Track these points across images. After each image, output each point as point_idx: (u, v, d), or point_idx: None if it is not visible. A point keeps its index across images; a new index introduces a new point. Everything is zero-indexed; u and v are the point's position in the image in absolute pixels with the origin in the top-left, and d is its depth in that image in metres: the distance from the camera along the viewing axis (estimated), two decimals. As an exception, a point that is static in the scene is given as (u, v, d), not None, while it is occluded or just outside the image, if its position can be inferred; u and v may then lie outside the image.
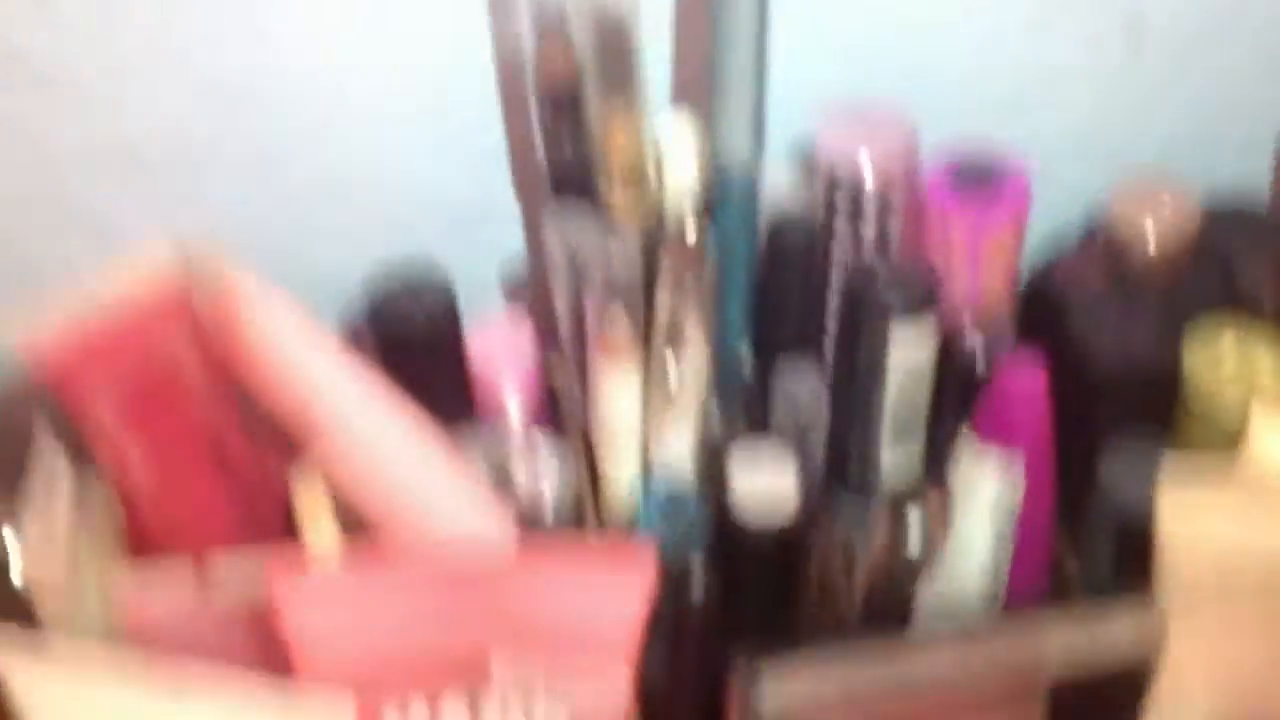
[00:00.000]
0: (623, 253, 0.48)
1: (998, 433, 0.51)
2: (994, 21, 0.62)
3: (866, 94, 0.61)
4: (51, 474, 0.48)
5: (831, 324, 0.58)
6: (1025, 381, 0.50)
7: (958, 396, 0.56)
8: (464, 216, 0.64)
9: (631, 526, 0.49)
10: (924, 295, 0.53)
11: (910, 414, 0.56)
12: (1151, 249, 0.61)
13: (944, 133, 0.63)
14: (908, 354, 0.53)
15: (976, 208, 0.56)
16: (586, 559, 0.45)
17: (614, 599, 0.45)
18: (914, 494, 0.43)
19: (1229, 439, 0.53)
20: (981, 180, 0.57)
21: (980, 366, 0.54)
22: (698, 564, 0.48)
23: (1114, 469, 0.53)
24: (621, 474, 0.55)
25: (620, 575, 0.44)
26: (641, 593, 0.44)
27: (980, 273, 0.57)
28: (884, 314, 0.52)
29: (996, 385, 0.50)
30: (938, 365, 0.55)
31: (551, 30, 0.51)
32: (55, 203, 0.59)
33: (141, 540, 0.50)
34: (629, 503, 0.54)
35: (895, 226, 0.55)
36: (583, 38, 0.51)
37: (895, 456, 0.56)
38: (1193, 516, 0.47)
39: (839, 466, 0.58)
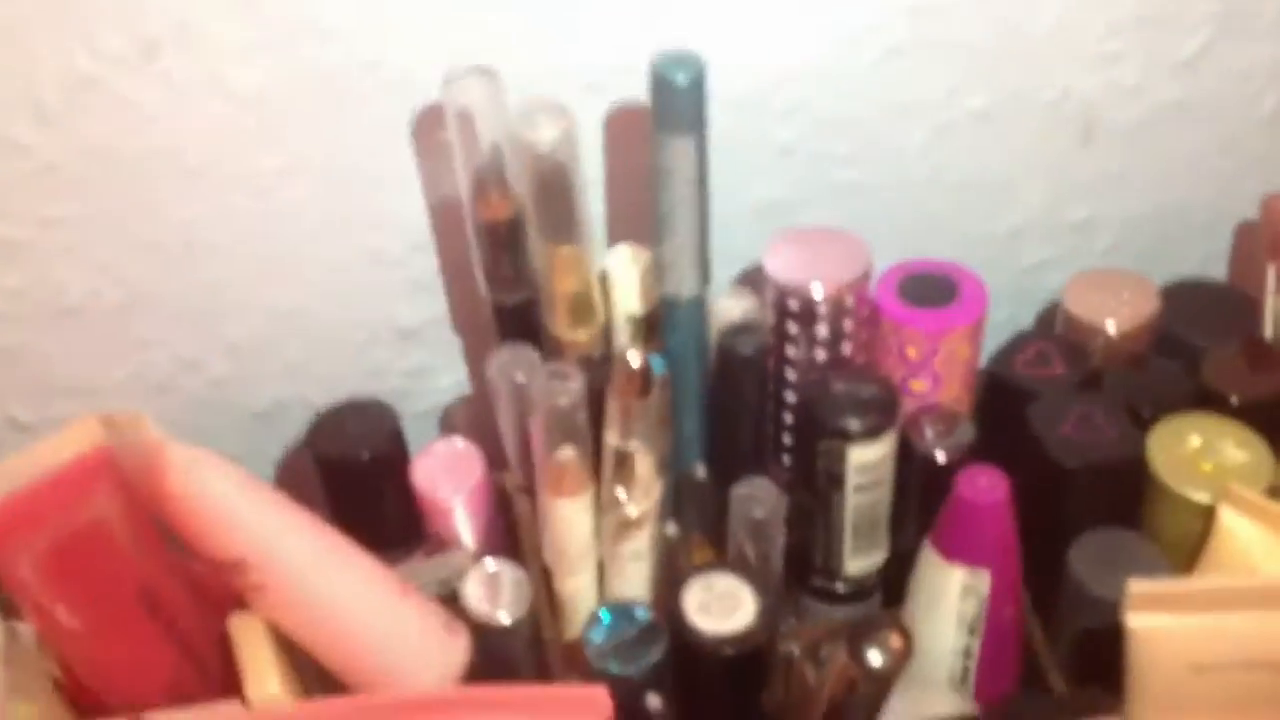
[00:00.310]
0: (568, 388, 0.47)
1: (962, 546, 0.50)
2: (946, 117, 0.62)
3: (808, 204, 0.62)
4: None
5: (788, 438, 0.57)
6: (987, 495, 0.49)
7: (919, 502, 0.55)
8: (410, 355, 0.64)
9: (588, 649, 0.47)
10: (881, 412, 0.52)
11: (871, 523, 0.55)
12: (1111, 338, 0.60)
13: (896, 234, 0.63)
14: (866, 468, 0.52)
15: (933, 319, 0.55)
16: (538, 706, 0.43)
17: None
18: (873, 630, 0.42)
19: (1195, 530, 0.53)
20: (936, 291, 0.56)
21: (940, 471, 0.53)
22: (654, 696, 0.47)
23: (1082, 562, 0.52)
24: (579, 596, 0.54)
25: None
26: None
27: (940, 378, 0.56)
28: (842, 433, 0.51)
29: (958, 499, 0.49)
30: (897, 472, 0.54)
31: (488, 170, 0.51)
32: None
33: (78, 693, 0.49)
34: (585, 626, 0.53)
35: (848, 343, 0.54)
36: (521, 177, 0.51)
37: (858, 565, 0.56)
38: (1161, 610, 0.46)
39: (803, 577, 0.57)
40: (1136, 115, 0.64)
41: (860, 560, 0.55)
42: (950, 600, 0.50)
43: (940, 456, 0.54)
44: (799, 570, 0.57)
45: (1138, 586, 0.46)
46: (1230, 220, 0.69)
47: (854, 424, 0.52)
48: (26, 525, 0.44)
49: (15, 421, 0.59)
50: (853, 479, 0.53)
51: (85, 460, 0.45)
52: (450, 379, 0.64)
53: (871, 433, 0.52)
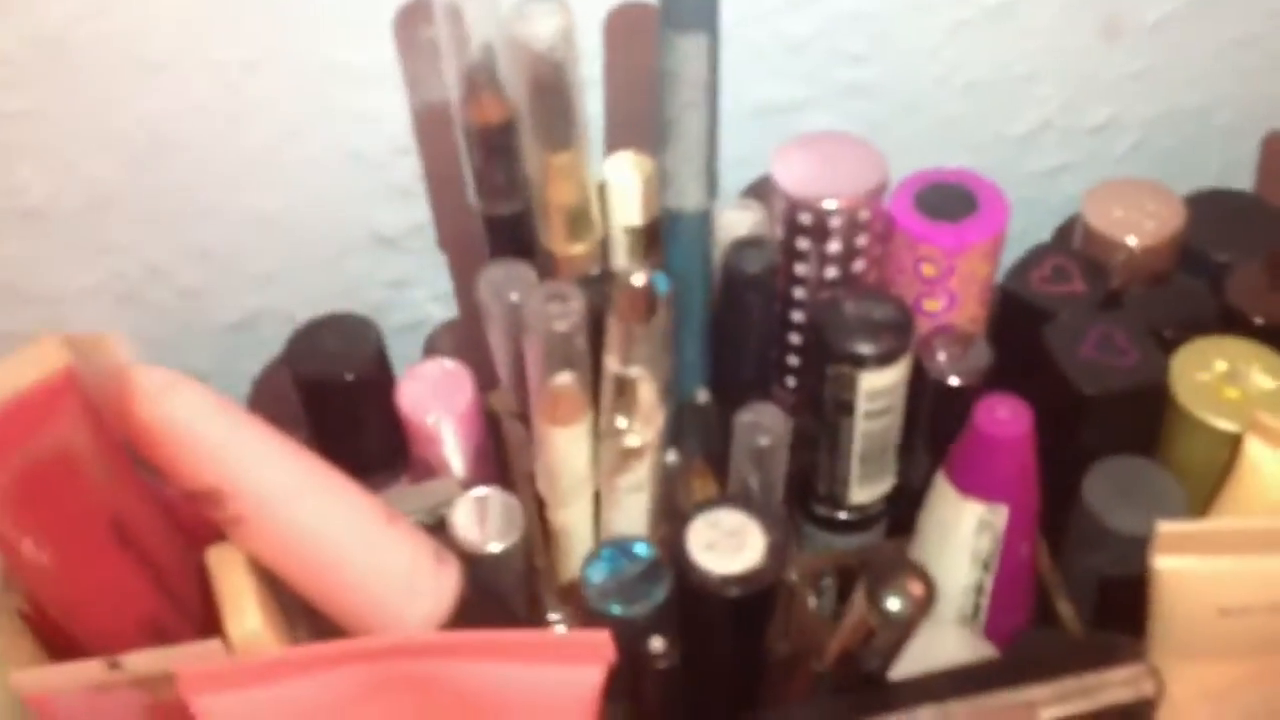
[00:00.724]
0: (567, 309, 0.44)
1: (979, 481, 0.47)
2: (965, 11, 0.58)
3: (813, 104, 0.58)
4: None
5: (794, 360, 0.54)
6: (1008, 427, 0.46)
7: (930, 428, 0.53)
8: (392, 266, 0.60)
9: (587, 589, 0.45)
10: (895, 335, 0.49)
11: (880, 450, 0.52)
12: (1134, 253, 0.57)
13: (905, 137, 0.59)
14: (878, 394, 0.50)
15: (952, 233, 0.52)
16: (539, 652, 0.41)
17: (569, 692, 0.41)
18: (892, 575, 0.39)
19: (1218, 460, 0.50)
20: (954, 203, 0.53)
21: (954, 395, 0.51)
22: (657, 638, 0.45)
23: (1096, 493, 0.50)
24: (573, 528, 0.51)
25: (576, 667, 0.41)
26: (597, 684, 0.41)
27: (956, 297, 0.53)
28: (853, 359, 0.49)
29: (976, 431, 0.46)
30: (908, 397, 0.52)
31: (479, 70, 0.47)
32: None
33: (48, 631, 0.46)
34: (581, 558, 0.51)
35: (862, 260, 0.51)
36: (515, 77, 0.47)
37: (864, 493, 0.54)
38: (1189, 551, 0.44)
39: (805, 504, 0.55)
40: (1163, 10, 0.60)
41: (866, 489, 0.53)
42: (964, 536, 0.48)
43: (954, 381, 0.51)
44: (800, 496, 0.55)
45: (1166, 528, 0.44)
46: (1257, 127, 0.65)
47: (866, 349, 0.49)
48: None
49: (-32, 329, 0.56)
50: (863, 406, 0.50)
51: (48, 384, 0.41)
52: (430, 290, 0.61)
53: (884, 358, 0.49)
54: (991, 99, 0.62)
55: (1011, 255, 0.57)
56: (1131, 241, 0.57)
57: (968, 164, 0.56)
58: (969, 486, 0.48)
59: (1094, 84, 0.63)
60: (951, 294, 0.53)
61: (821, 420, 0.51)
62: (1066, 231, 0.63)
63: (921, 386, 0.52)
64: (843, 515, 0.54)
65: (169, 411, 0.42)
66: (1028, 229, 0.63)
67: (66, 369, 0.42)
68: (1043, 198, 0.65)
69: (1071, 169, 0.65)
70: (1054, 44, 0.60)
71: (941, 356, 0.52)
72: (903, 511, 0.54)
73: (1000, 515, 0.48)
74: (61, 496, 0.43)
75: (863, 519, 0.55)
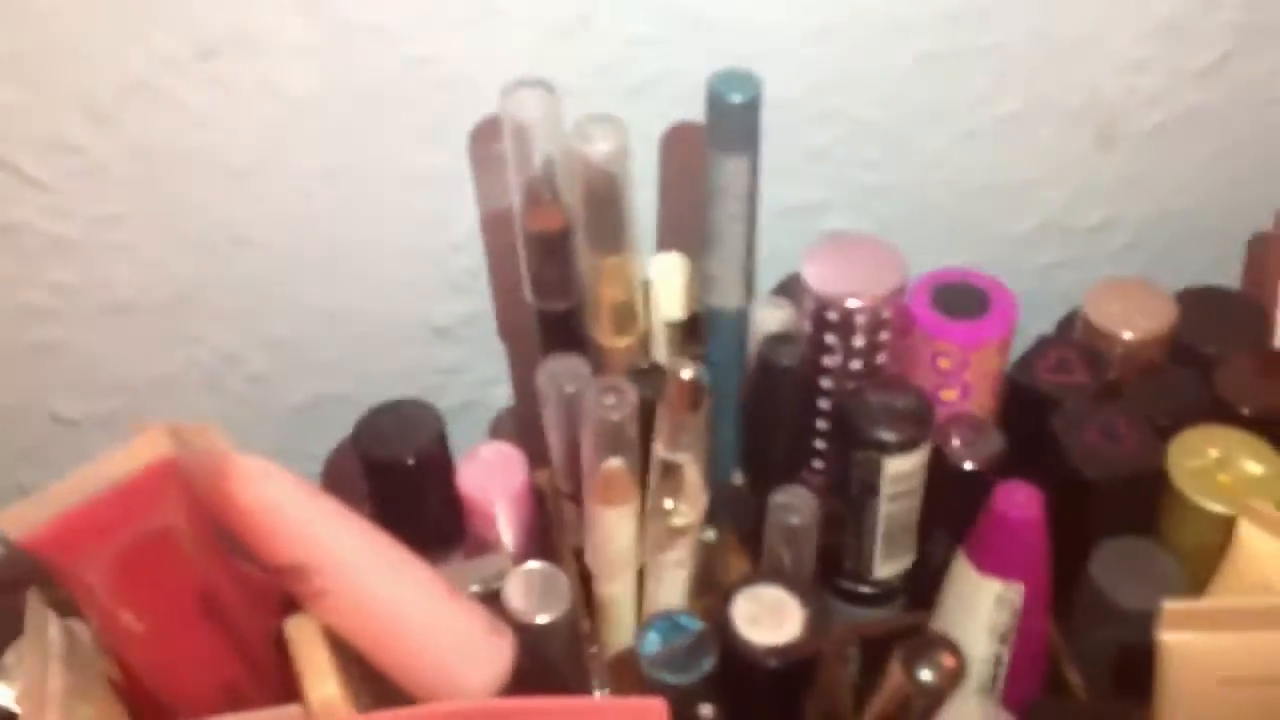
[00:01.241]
0: (620, 402, 0.48)
1: (997, 560, 0.51)
2: (973, 122, 0.63)
3: (833, 205, 0.62)
4: (41, 633, 0.47)
5: (820, 444, 0.58)
6: (1023, 511, 0.50)
7: (946, 507, 0.57)
8: (444, 353, 0.64)
9: (641, 659, 0.49)
10: (916, 424, 0.53)
11: (902, 529, 0.56)
12: (1129, 346, 0.62)
13: (916, 235, 0.64)
14: (901, 478, 0.54)
15: (967, 330, 0.56)
16: (598, 717, 0.45)
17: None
18: (927, 649, 0.43)
19: (1213, 541, 0.54)
20: (968, 301, 0.57)
21: (969, 478, 0.55)
22: (707, 705, 0.48)
23: (1101, 571, 0.54)
24: (619, 600, 0.55)
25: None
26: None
27: (970, 388, 0.57)
28: (879, 445, 0.53)
29: (995, 514, 0.51)
30: (927, 479, 0.56)
31: (541, 180, 0.51)
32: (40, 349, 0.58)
33: (135, 695, 0.49)
34: (630, 632, 0.54)
35: (883, 353, 0.56)
36: (572, 188, 0.51)
37: (887, 569, 0.57)
38: (1193, 627, 0.48)
39: (831, 578, 0.59)
40: (1156, 121, 0.65)
41: (889, 565, 0.57)
42: (984, 611, 0.52)
43: (969, 465, 0.55)
44: (826, 571, 0.58)
45: (1171, 605, 0.48)
46: (1244, 227, 0.70)
47: (890, 436, 0.53)
48: (97, 534, 0.44)
49: (59, 416, 0.60)
50: (887, 488, 0.54)
51: (155, 470, 0.45)
52: (479, 375, 0.65)
53: (907, 445, 0.53)
54: (997, 201, 0.67)
55: (1014, 341, 0.62)
56: (1127, 335, 0.62)
57: (975, 259, 0.60)
58: (988, 566, 0.52)
59: (1092, 188, 0.67)
60: (966, 385, 0.57)
61: (848, 501, 0.55)
62: (1067, 325, 0.67)
63: (939, 470, 0.56)
64: (866, 589, 0.58)
65: (265, 495, 0.46)
66: (1028, 318, 0.67)
67: (171, 456, 0.46)
68: (1043, 290, 0.69)
69: (1070, 265, 0.70)
70: (1055, 151, 0.65)
71: (957, 443, 0.56)
72: (921, 585, 0.58)
73: (1017, 592, 0.51)
74: (158, 572, 0.46)
75: (885, 593, 0.58)
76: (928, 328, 0.57)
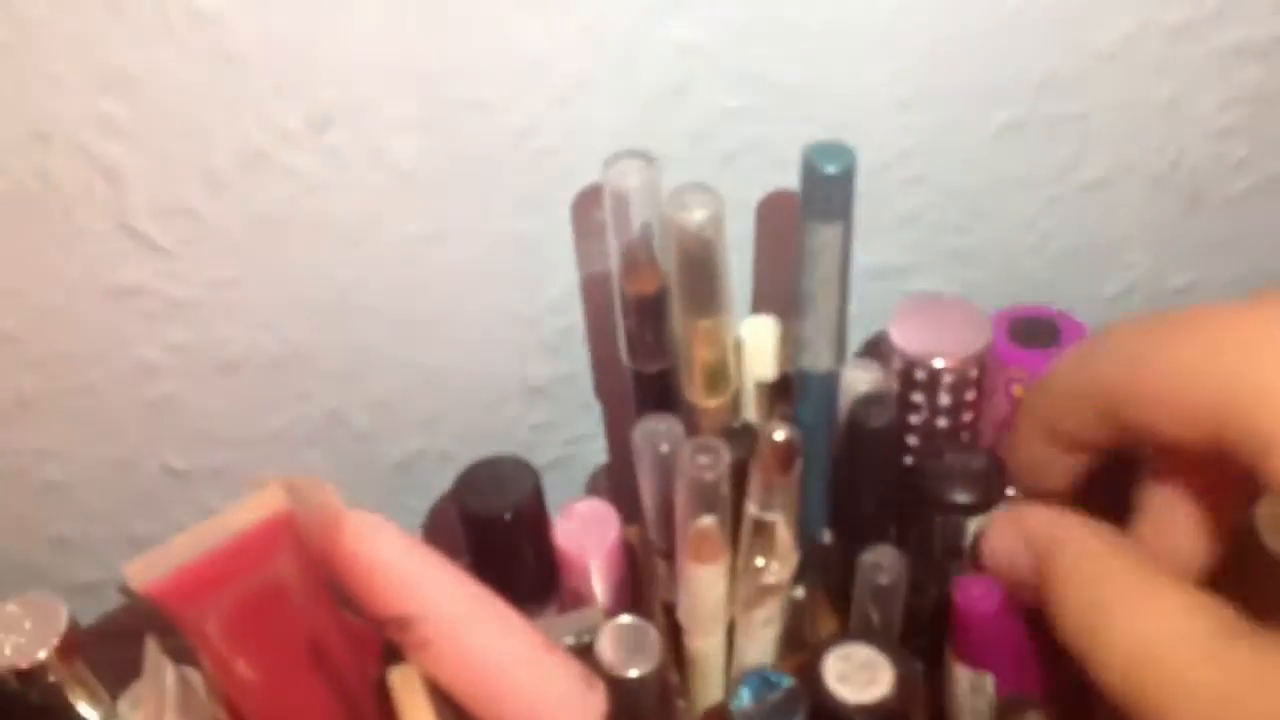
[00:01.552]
0: (715, 462, 0.50)
1: (963, 651, 0.52)
2: (1059, 189, 0.64)
3: (919, 268, 0.63)
4: (158, 678, 0.50)
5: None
6: (980, 604, 0.49)
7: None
8: (539, 411, 0.66)
9: (734, 715, 0.50)
10: (989, 490, 0.54)
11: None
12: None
13: (1002, 297, 0.65)
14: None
15: (1040, 357, 0.58)
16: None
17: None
18: (1019, 711, 0.44)
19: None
20: (1040, 333, 0.59)
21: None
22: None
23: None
24: (709, 655, 0.56)
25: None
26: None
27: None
28: (953, 511, 0.54)
29: (955, 609, 0.50)
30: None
31: (638, 246, 0.53)
32: (154, 405, 0.61)
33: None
34: (719, 687, 0.55)
35: (969, 410, 0.57)
36: (668, 253, 0.53)
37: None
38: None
39: (914, 641, 0.59)
40: (1243, 187, 0.66)
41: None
42: (962, 696, 0.52)
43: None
44: (911, 639, 0.59)
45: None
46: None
47: (968, 498, 0.53)
48: (215, 586, 0.46)
49: (169, 468, 0.62)
50: (968, 543, 0.54)
51: (271, 523, 0.47)
52: (571, 433, 0.67)
53: (984, 505, 0.54)
54: (1081, 265, 0.68)
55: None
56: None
57: (1060, 321, 0.61)
58: (957, 654, 0.52)
59: (1178, 251, 0.68)
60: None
61: (929, 563, 0.56)
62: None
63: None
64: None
65: (376, 548, 0.47)
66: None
67: (287, 510, 0.48)
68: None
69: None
70: (1141, 215, 0.66)
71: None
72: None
73: (987, 682, 0.51)
74: (272, 621, 0.48)
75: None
76: (1001, 355, 0.58)
